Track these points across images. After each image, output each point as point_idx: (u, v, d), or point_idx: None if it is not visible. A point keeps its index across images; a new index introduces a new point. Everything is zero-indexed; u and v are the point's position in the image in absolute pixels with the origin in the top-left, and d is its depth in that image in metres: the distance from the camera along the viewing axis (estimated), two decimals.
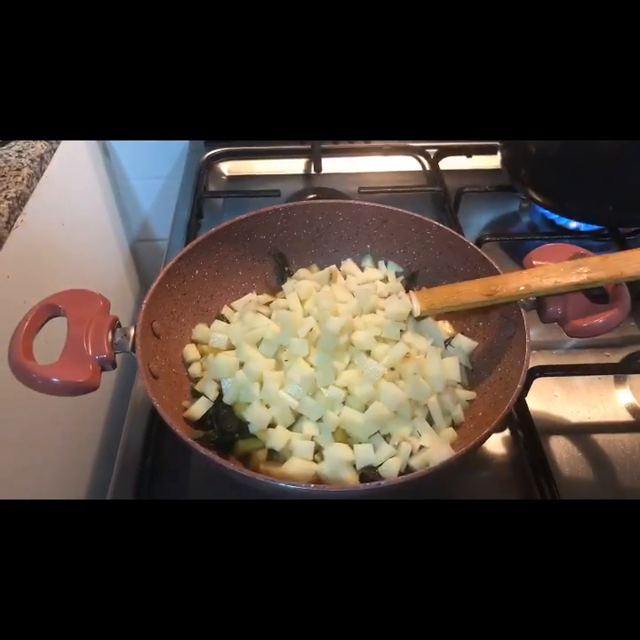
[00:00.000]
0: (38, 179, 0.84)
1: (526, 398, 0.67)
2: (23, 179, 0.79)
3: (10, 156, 0.82)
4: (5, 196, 0.76)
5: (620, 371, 0.73)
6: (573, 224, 0.89)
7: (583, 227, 0.88)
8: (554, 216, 0.91)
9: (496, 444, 0.66)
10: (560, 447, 0.66)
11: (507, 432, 0.67)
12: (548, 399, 0.70)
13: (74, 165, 1.03)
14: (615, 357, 0.74)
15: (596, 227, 0.87)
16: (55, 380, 0.52)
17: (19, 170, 0.80)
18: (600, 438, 0.66)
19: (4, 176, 0.79)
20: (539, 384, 0.67)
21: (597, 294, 0.61)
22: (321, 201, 0.75)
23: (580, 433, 0.67)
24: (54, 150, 0.90)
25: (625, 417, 0.68)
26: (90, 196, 1.12)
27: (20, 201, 0.78)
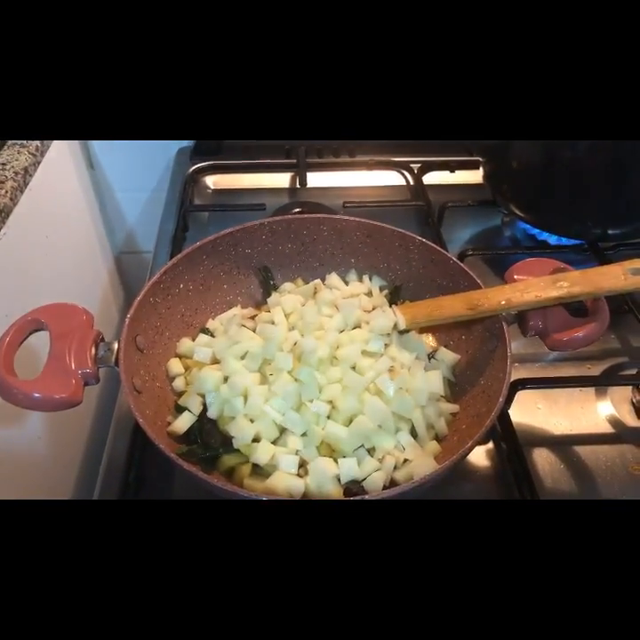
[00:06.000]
0: (22, 191, 0.84)
1: (509, 411, 0.67)
2: (7, 191, 0.79)
3: None
4: None
5: (600, 383, 0.74)
6: (554, 239, 0.91)
7: (564, 241, 0.90)
8: (535, 230, 0.93)
9: (480, 457, 0.66)
10: (543, 459, 0.66)
11: (490, 444, 0.67)
12: (531, 411, 0.71)
13: (58, 178, 1.02)
14: (596, 370, 0.76)
15: (576, 241, 0.88)
16: (37, 395, 0.51)
17: (2, 182, 0.80)
18: (581, 450, 0.67)
19: None
20: (522, 397, 0.68)
21: (577, 308, 0.62)
22: (306, 215, 0.75)
23: (562, 445, 0.68)
24: (38, 163, 0.90)
25: (606, 429, 0.69)
26: (74, 209, 1.12)
27: (4, 214, 0.78)
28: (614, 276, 0.59)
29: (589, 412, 0.71)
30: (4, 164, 0.83)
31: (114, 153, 1.17)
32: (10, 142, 0.86)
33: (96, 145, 1.15)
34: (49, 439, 0.90)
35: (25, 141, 0.87)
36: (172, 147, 1.13)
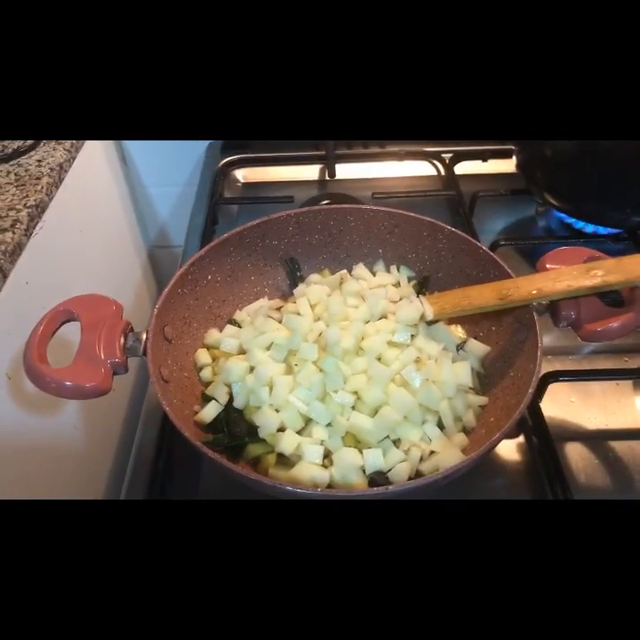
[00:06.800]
0: (57, 187, 0.86)
1: (541, 404, 0.66)
2: (42, 187, 0.81)
3: (30, 165, 0.84)
4: (25, 204, 0.77)
5: (638, 376, 0.71)
6: (591, 227, 0.88)
7: (601, 230, 0.87)
8: (571, 219, 0.90)
9: (510, 451, 0.65)
10: (576, 454, 0.64)
11: (521, 438, 0.66)
12: (564, 405, 0.69)
13: (92, 174, 1.05)
14: (634, 363, 0.73)
15: (614, 230, 0.85)
16: (68, 383, 0.53)
17: (38, 178, 0.82)
18: (618, 445, 0.65)
19: (23, 184, 0.80)
20: (554, 390, 0.66)
21: (613, 298, 0.60)
22: (332, 206, 0.75)
23: (596, 440, 0.66)
24: (73, 159, 0.92)
25: None
26: (108, 204, 1.14)
27: (40, 209, 0.80)
28: None
29: (626, 407, 0.68)
30: (39, 161, 0.85)
31: (146, 149, 1.18)
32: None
33: (128, 142, 1.17)
34: (84, 428, 0.93)
35: None
36: (203, 141, 1.14)
